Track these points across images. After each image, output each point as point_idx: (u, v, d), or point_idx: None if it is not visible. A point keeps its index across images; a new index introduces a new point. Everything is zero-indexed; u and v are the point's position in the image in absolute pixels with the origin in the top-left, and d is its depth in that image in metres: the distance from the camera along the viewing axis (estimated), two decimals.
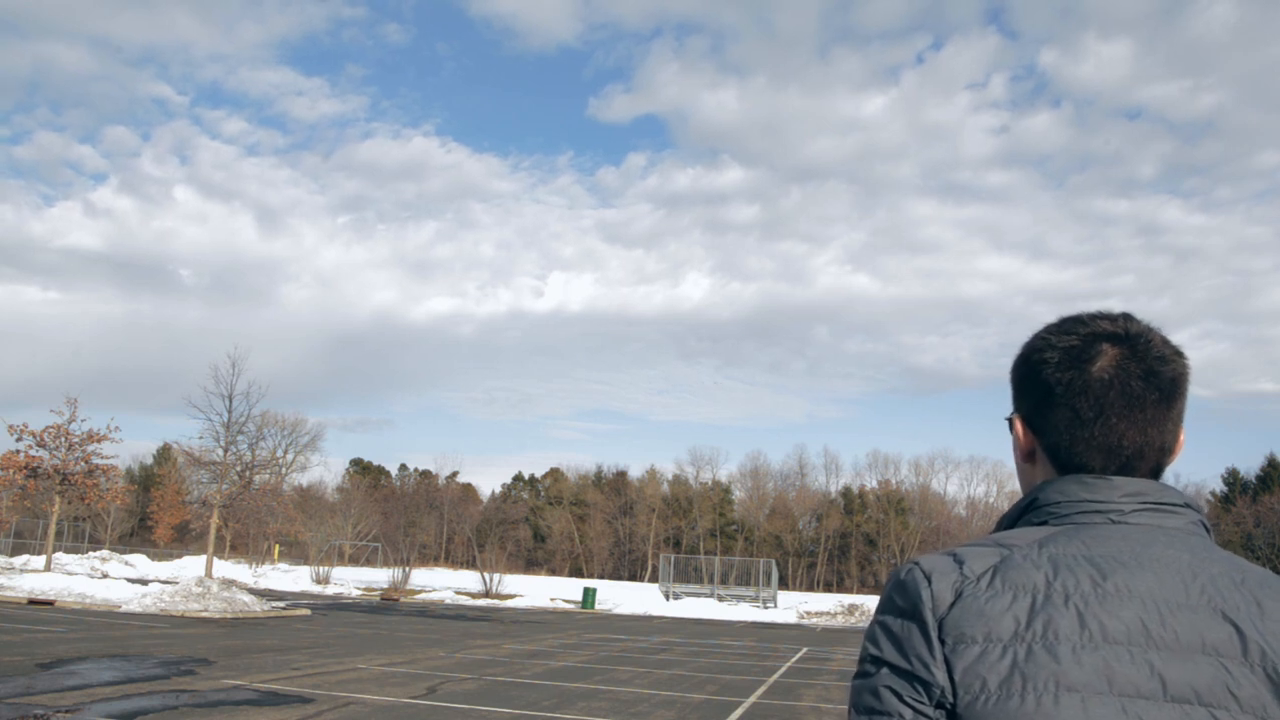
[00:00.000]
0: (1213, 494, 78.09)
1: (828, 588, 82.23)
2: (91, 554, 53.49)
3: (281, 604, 28.87)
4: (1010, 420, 1.23)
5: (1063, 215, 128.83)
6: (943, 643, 1.01)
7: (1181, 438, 1.17)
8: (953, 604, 1.02)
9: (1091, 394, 1.13)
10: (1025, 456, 1.20)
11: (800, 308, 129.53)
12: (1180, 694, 0.98)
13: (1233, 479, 78.24)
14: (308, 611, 27.24)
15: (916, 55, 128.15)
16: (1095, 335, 1.16)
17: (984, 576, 1.04)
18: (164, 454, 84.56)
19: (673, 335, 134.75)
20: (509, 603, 41.41)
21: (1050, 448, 1.16)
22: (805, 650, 23.11)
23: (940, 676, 1.00)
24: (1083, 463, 1.14)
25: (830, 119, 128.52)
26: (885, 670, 1.03)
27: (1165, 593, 1.03)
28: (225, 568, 44.97)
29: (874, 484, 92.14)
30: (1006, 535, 1.11)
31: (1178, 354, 1.16)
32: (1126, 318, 1.18)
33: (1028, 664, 0.98)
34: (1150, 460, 1.14)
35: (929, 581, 1.05)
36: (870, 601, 48.54)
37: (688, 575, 49.53)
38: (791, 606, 44.39)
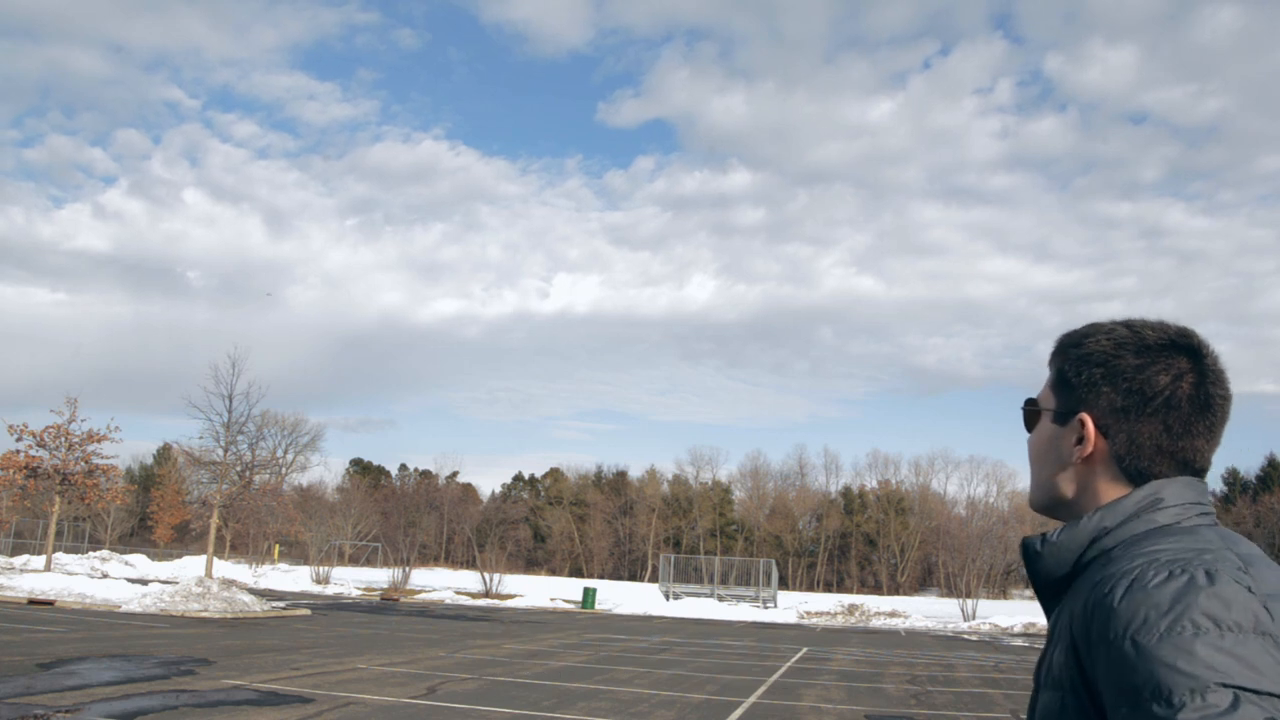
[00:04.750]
0: (1213, 494, 77.61)
1: (828, 588, 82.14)
2: (91, 554, 53.46)
3: (281, 604, 28.87)
4: (1075, 418, 1.20)
5: (1067, 218, 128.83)
6: None
7: None
8: (1273, 620, 0.97)
9: (1181, 411, 1.15)
10: (1086, 459, 1.19)
11: (805, 309, 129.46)
12: None
13: (1233, 479, 78.19)
14: (308, 611, 27.24)
15: (924, 61, 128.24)
16: (1175, 347, 1.17)
17: (1259, 587, 1.00)
18: (164, 454, 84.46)
19: (677, 337, 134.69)
20: (509, 603, 41.41)
21: (1126, 454, 1.17)
22: (805, 650, 23.11)
23: None
24: (1156, 471, 1.16)
25: (837, 123, 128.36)
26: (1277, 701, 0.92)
27: None
28: (225, 568, 44.94)
29: (874, 484, 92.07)
30: (1217, 537, 1.08)
31: None
32: (1191, 333, 1.20)
33: None
34: (1204, 472, 1.19)
35: (1263, 602, 0.98)
36: (871, 601, 48.26)
37: (688, 575, 49.49)
38: (791, 606, 44.34)
